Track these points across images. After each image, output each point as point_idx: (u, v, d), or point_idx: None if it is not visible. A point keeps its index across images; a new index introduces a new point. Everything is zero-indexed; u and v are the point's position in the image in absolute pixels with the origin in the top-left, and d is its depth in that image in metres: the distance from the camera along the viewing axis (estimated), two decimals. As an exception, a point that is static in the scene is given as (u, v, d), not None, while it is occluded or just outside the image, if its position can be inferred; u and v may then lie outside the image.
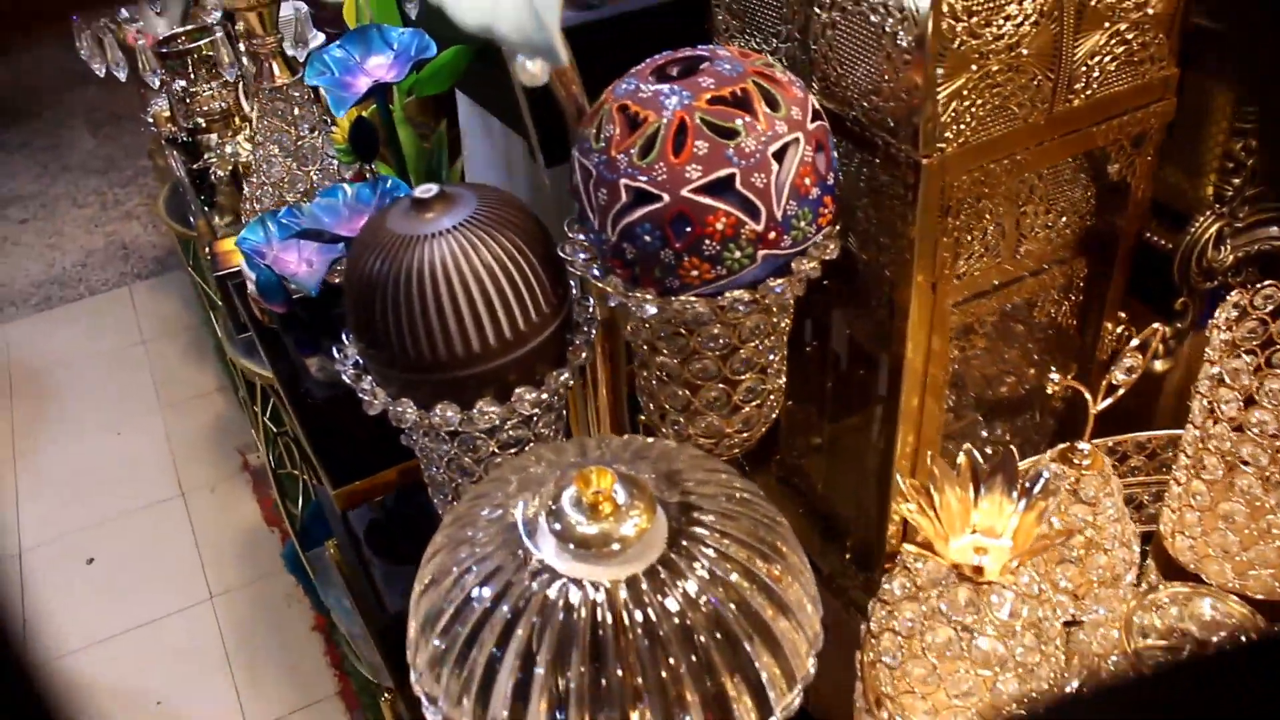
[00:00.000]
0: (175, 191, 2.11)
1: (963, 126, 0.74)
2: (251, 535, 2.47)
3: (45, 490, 2.64)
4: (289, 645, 2.19)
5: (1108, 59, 0.79)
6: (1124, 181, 0.89)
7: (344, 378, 0.82)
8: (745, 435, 0.87)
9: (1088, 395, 0.87)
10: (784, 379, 0.86)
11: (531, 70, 0.55)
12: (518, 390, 0.78)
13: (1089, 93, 0.79)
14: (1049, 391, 0.85)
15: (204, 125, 1.66)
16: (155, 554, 2.45)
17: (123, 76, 0.98)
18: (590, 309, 0.84)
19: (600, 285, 0.76)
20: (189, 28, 1.67)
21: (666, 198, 0.68)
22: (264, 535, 2.47)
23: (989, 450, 1.08)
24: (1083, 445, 0.90)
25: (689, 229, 0.69)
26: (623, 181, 0.70)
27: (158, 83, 1.49)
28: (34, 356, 3.09)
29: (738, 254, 0.71)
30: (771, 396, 0.86)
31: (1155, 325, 0.87)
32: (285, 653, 2.17)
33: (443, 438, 0.81)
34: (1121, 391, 0.88)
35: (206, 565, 2.42)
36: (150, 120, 1.74)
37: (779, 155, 0.70)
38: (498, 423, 0.79)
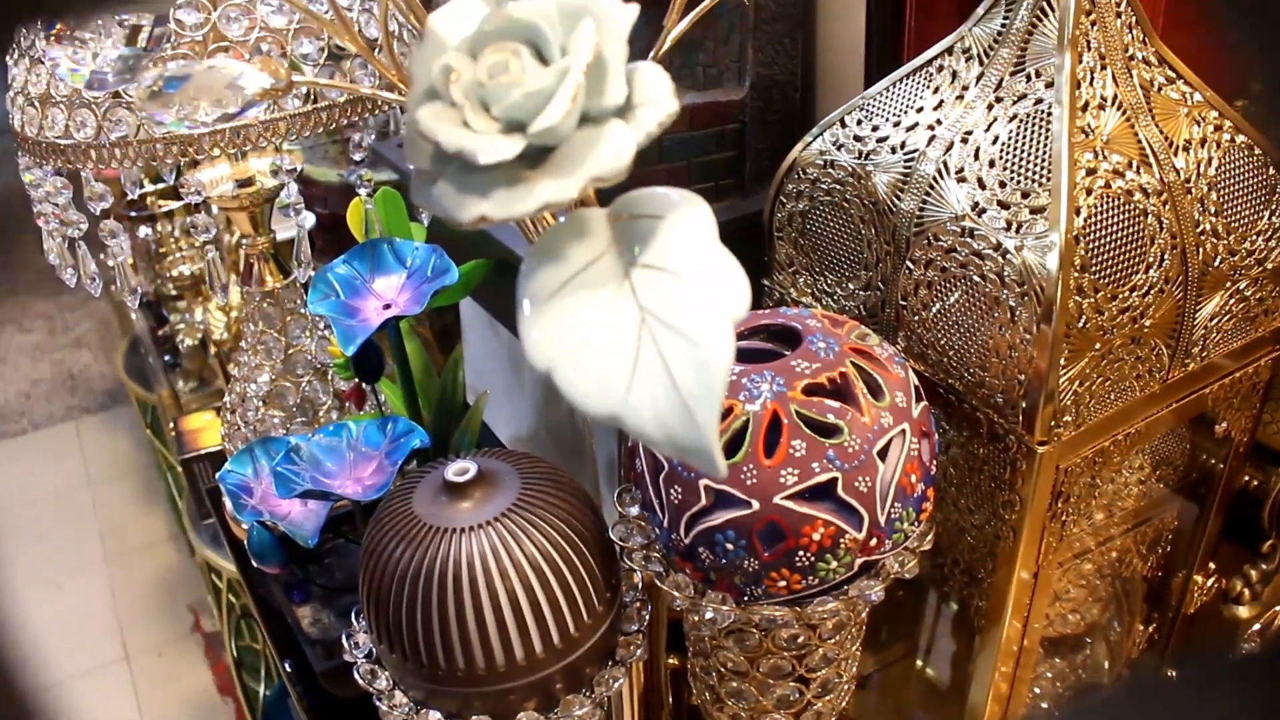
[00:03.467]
0: (134, 346, 1.99)
1: (1081, 408, 0.65)
2: (203, 706, 2.30)
3: (-24, 654, 2.46)
4: (242, 840, 2.02)
5: (1226, 318, 0.71)
6: (1227, 433, 0.81)
7: (355, 675, 0.71)
8: (813, 729, 0.76)
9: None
10: (857, 663, 0.76)
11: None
12: (566, 698, 0.67)
13: (1204, 355, 0.71)
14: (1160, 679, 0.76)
15: (173, 292, 1.55)
16: (95, 728, 2.28)
17: (97, 291, 0.88)
18: (640, 588, 0.74)
19: (663, 587, 0.66)
20: (159, 185, 1.58)
21: (756, 505, 0.59)
22: (216, 706, 2.31)
23: (1058, 686, 0.98)
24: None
25: (781, 540, 0.60)
26: (703, 482, 0.60)
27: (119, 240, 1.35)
28: (-31, 498, 2.93)
29: (834, 564, 0.61)
30: (846, 686, 0.75)
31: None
32: None
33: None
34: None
35: (151, 741, 2.25)
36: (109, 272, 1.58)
37: (883, 452, 0.60)
38: (539, 738, 0.68)
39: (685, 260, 0.36)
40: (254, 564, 0.83)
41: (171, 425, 1.52)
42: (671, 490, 0.62)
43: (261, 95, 0.50)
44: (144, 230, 1.61)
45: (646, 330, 0.36)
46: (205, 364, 1.70)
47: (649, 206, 0.38)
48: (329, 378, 1.03)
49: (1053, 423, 0.64)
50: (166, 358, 1.75)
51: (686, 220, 0.37)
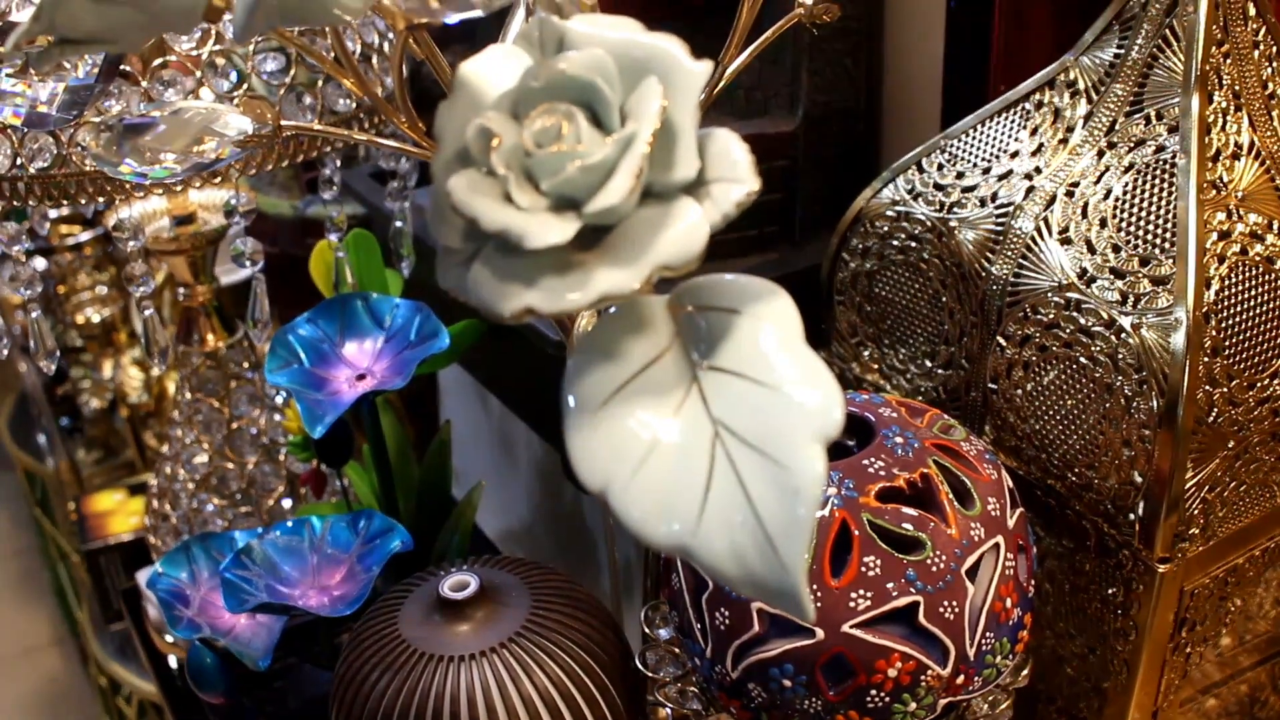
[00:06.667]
0: (22, 404, 2.00)
1: (1211, 518, 0.67)
2: None
3: None
4: None
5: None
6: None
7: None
8: None
9: None
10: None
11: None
12: None
13: (1358, 450, 0.74)
14: None
15: (79, 342, 1.57)
16: None
17: (4, 353, 0.90)
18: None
19: (704, 729, 0.67)
20: (65, 212, 1.60)
21: (820, 634, 0.61)
22: None
23: None
24: None
25: (849, 676, 0.62)
26: (757, 605, 0.62)
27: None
28: None
29: (912, 705, 0.63)
30: None
31: None
32: None
33: None
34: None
35: None
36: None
37: (972, 571, 0.63)
38: None
39: (766, 365, 0.39)
40: (191, 688, 0.84)
41: (72, 506, 1.53)
42: (717, 613, 0.64)
43: (244, 143, 0.52)
44: (39, 263, 1.63)
45: (720, 447, 0.38)
46: (113, 430, 1.71)
47: (721, 297, 0.41)
48: (281, 458, 1.05)
49: (1177, 536, 0.66)
50: (64, 421, 1.77)
51: (768, 316, 0.39)
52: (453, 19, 0.43)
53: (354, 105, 0.84)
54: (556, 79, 0.40)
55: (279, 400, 1.06)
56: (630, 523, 0.39)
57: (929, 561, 0.61)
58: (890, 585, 0.61)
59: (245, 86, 0.80)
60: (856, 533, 0.61)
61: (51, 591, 2.76)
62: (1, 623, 2.83)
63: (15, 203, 0.82)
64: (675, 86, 0.40)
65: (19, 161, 0.79)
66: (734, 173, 0.39)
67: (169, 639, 1.07)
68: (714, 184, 0.39)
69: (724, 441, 0.38)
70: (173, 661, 1.08)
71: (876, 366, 0.81)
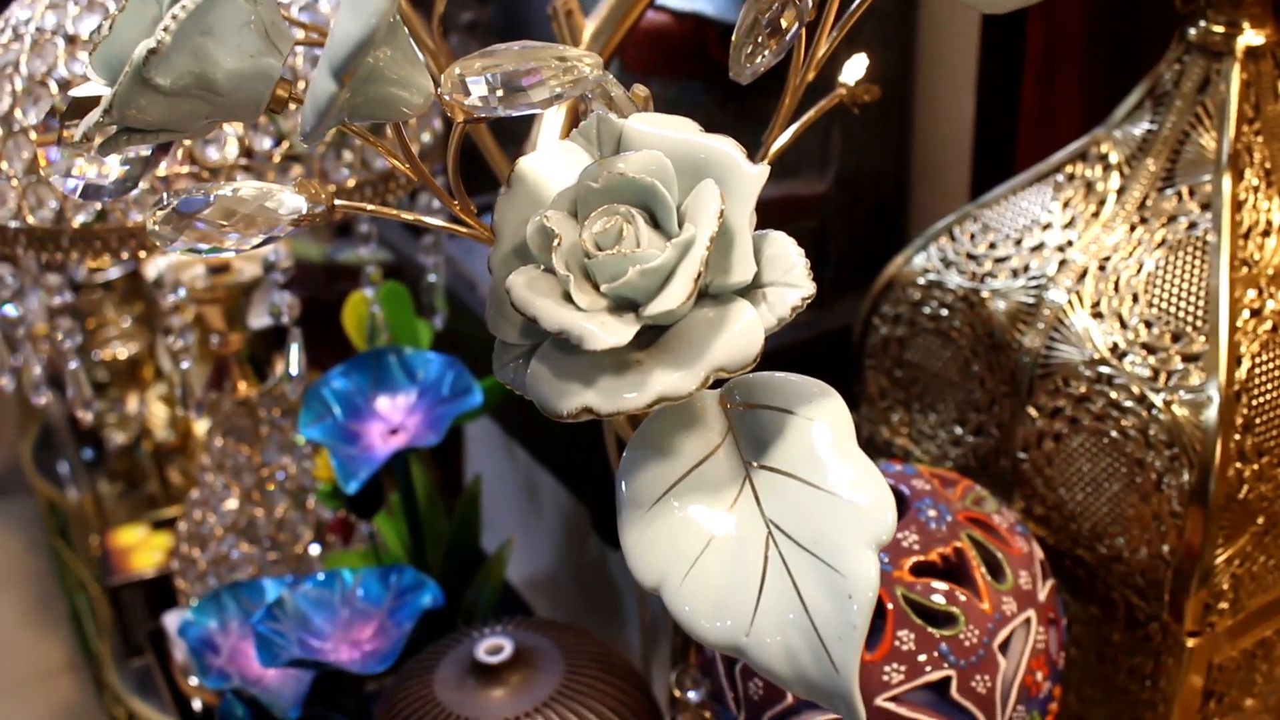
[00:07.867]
0: (46, 435, 2.01)
1: (1240, 592, 0.68)
2: None
3: None
4: None
5: None
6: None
7: None
8: None
9: None
10: None
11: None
12: None
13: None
14: None
15: (106, 379, 1.58)
16: None
17: (43, 399, 0.91)
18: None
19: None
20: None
21: (854, 706, 0.61)
22: None
23: None
24: None
25: (883, 749, 0.62)
26: (790, 676, 0.62)
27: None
28: None
29: (944, 778, 0.63)
30: None
31: None
32: None
33: None
34: None
35: None
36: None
37: (1005, 645, 0.63)
38: None
39: (819, 467, 0.39)
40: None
41: (95, 540, 1.54)
42: (750, 683, 0.64)
43: (298, 222, 0.53)
44: (65, 296, 1.64)
45: (774, 548, 0.39)
46: (135, 464, 1.72)
47: (773, 396, 0.41)
48: (310, 505, 1.06)
49: (1206, 609, 0.67)
50: (87, 453, 1.77)
51: (820, 417, 0.40)
52: (512, 114, 0.44)
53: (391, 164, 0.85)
54: (616, 181, 0.41)
55: (308, 448, 1.07)
56: (683, 619, 0.40)
57: (962, 636, 0.62)
58: (923, 659, 0.61)
59: (286, 145, 0.81)
60: (890, 606, 0.62)
61: (67, 619, 2.76)
62: (16, 647, 2.83)
63: (59, 255, 0.83)
64: (732, 189, 0.41)
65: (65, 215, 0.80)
66: (790, 277, 0.40)
67: (193, 682, 1.07)
68: (769, 287, 0.40)
69: (777, 543, 0.39)
70: (196, 704, 1.09)
71: (906, 431, 0.82)
